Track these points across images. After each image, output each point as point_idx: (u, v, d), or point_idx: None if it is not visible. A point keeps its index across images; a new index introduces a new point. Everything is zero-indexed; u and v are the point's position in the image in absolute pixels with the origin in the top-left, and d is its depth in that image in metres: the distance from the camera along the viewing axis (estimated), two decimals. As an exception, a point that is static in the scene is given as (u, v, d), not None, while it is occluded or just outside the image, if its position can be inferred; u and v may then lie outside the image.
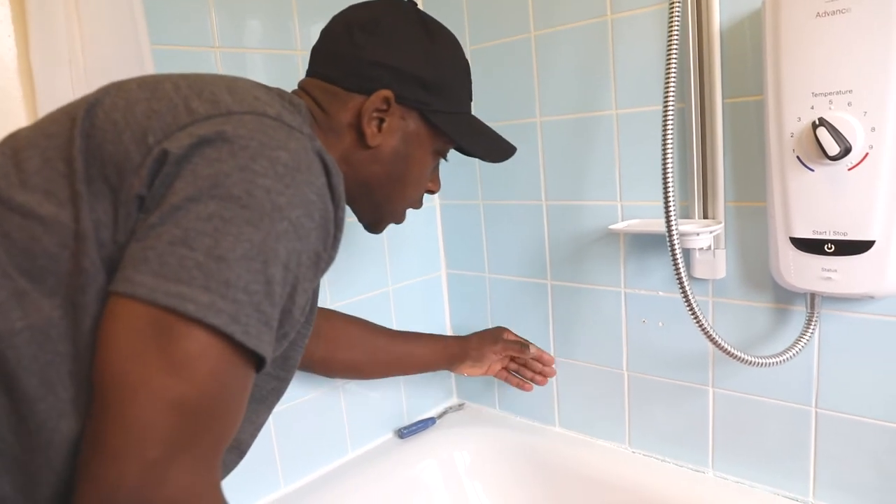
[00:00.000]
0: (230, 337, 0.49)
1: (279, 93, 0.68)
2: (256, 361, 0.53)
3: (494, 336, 1.20)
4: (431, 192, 0.86)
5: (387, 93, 0.72)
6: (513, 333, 1.21)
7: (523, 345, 1.19)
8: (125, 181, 0.52)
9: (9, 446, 0.51)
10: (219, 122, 0.54)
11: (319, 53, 0.77)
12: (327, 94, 0.74)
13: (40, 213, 0.52)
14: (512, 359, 1.21)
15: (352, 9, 0.78)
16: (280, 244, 0.52)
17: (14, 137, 0.58)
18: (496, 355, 1.19)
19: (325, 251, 0.59)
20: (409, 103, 0.74)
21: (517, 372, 1.21)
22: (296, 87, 0.78)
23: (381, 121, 0.74)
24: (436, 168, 0.84)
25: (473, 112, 0.86)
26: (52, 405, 0.51)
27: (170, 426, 0.47)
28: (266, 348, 0.52)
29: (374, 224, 0.84)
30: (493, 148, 0.84)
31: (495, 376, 1.22)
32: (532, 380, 1.20)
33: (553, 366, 1.22)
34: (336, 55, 0.75)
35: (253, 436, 0.71)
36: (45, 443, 0.51)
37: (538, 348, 1.21)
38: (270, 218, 0.52)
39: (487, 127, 0.84)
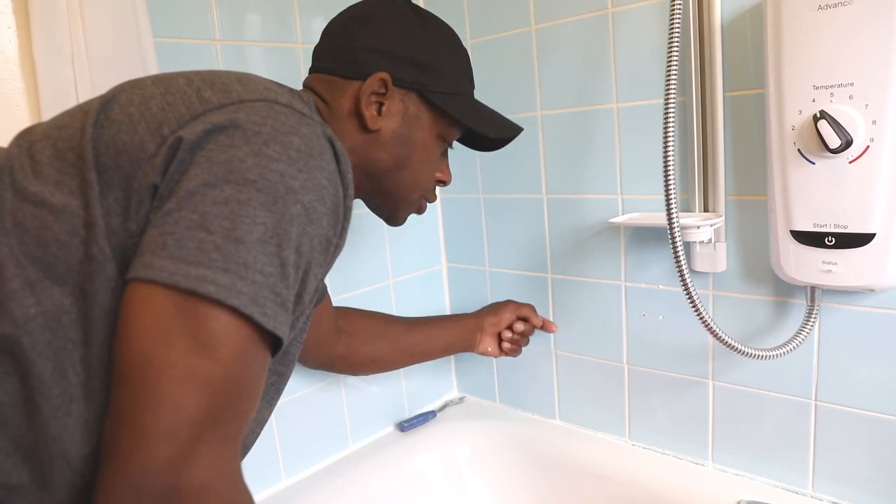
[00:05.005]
0: (249, 318, 0.50)
1: (289, 89, 0.70)
2: (273, 344, 0.54)
3: (503, 303, 1.21)
4: (443, 182, 0.86)
5: (383, 75, 0.73)
6: (514, 302, 1.22)
7: (532, 307, 1.21)
8: (139, 170, 0.53)
9: (24, 435, 0.51)
10: (231, 109, 0.56)
11: (320, 51, 0.79)
12: (328, 85, 0.76)
13: (52, 202, 0.53)
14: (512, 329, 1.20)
15: (348, 7, 0.81)
16: (293, 227, 0.53)
17: (30, 131, 0.59)
18: (511, 314, 1.18)
19: (335, 236, 0.59)
20: (407, 85, 0.75)
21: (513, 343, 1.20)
22: (302, 88, 0.79)
23: (381, 104, 0.75)
24: (444, 157, 0.85)
25: None
26: (65, 390, 0.52)
27: (198, 406, 0.47)
28: (283, 329, 0.53)
29: (391, 215, 0.84)
30: (497, 126, 0.84)
31: (506, 353, 1.20)
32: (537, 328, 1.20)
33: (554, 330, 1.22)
34: (334, 48, 0.77)
35: (255, 432, 0.72)
36: (59, 431, 0.52)
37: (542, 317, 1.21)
38: (284, 201, 0.52)
39: (490, 108, 0.85)
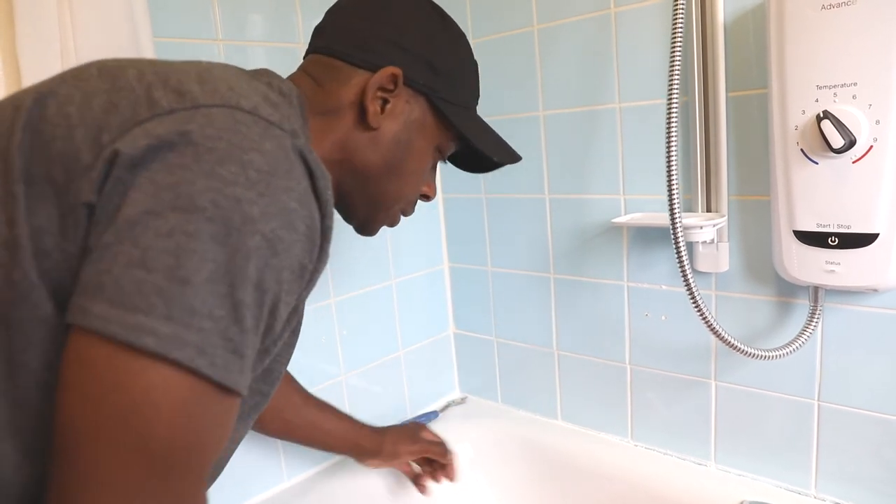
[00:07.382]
0: (195, 371, 0.43)
1: (268, 81, 0.63)
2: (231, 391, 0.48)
3: (412, 435, 1.12)
4: (427, 197, 0.79)
5: (395, 70, 0.66)
6: (430, 432, 1.15)
7: (445, 448, 1.13)
8: (73, 184, 0.46)
9: None
10: (182, 117, 0.48)
11: (325, 30, 0.72)
12: (329, 69, 0.69)
13: None
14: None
15: None
16: (250, 263, 0.46)
17: None
18: (412, 455, 1.11)
19: (310, 262, 0.52)
20: (417, 86, 0.69)
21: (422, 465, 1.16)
22: (297, 71, 0.74)
23: (386, 101, 0.68)
24: (433, 170, 0.79)
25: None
26: None
27: (132, 475, 0.42)
28: (236, 378, 0.46)
29: (365, 223, 0.77)
30: (500, 149, 0.78)
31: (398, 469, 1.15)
32: (435, 477, 1.15)
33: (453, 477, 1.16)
34: (343, 29, 0.70)
35: (231, 452, 0.66)
36: None
37: (453, 456, 1.15)
38: (239, 233, 0.45)
39: (492, 128, 0.80)
